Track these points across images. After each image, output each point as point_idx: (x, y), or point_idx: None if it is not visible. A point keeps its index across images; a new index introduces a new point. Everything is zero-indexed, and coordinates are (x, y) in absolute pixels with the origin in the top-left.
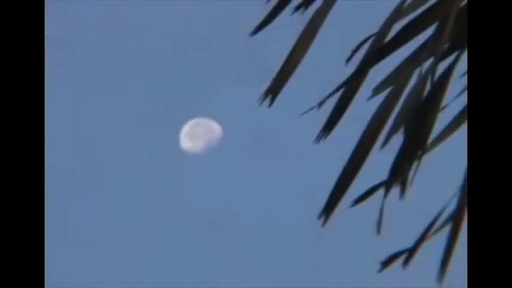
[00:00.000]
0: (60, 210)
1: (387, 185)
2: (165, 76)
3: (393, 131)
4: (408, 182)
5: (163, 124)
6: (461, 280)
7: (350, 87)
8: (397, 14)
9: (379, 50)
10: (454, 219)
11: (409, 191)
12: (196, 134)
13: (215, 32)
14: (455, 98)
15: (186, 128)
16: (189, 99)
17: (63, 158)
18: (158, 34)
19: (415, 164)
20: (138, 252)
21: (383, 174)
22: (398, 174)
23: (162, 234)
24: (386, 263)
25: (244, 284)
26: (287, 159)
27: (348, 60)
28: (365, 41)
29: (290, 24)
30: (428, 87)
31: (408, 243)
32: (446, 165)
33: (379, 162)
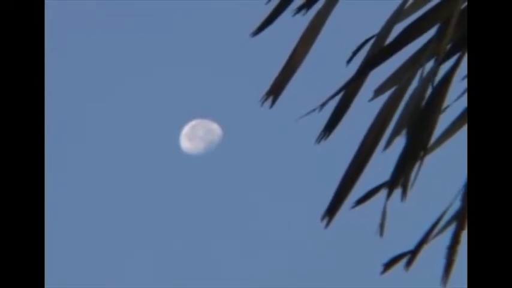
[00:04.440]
0: (61, 211)
1: (389, 186)
2: (165, 77)
3: (395, 132)
4: (410, 183)
5: (163, 125)
6: (463, 281)
7: (351, 88)
8: (398, 15)
9: (380, 51)
10: (458, 220)
11: (411, 192)
12: (196, 135)
13: (216, 32)
14: (457, 99)
15: (186, 129)
16: (189, 100)
17: (63, 157)
18: (158, 34)
19: (417, 165)
20: (137, 253)
21: (385, 176)
22: (400, 175)
23: (162, 234)
24: (389, 264)
25: (245, 284)
26: (288, 160)
27: (349, 61)
28: (366, 42)
29: (292, 25)
30: (430, 88)
31: (410, 245)
32: (448, 166)
33: (381, 163)
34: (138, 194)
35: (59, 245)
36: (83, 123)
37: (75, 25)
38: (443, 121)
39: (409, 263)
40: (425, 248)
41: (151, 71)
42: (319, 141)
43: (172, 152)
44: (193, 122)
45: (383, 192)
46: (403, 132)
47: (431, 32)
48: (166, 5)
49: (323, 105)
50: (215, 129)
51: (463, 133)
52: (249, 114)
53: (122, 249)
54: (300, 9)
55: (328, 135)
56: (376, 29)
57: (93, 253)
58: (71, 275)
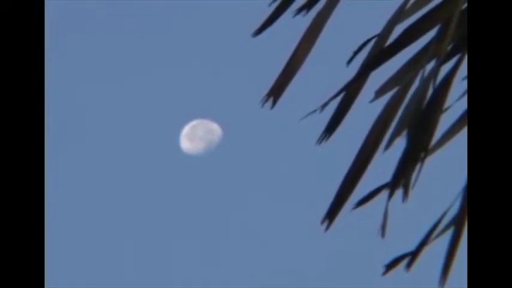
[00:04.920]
0: (61, 211)
1: (391, 187)
2: (165, 77)
3: (396, 133)
4: (411, 184)
5: (163, 125)
6: (463, 282)
7: (352, 89)
8: (399, 16)
9: (381, 52)
10: (457, 221)
11: (412, 193)
12: (196, 136)
13: (217, 32)
14: (458, 100)
15: (186, 130)
16: (189, 100)
17: (63, 157)
18: (158, 34)
19: (417, 166)
20: (137, 253)
21: (385, 177)
22: (401, 176)
23: (162, 235)
24: (390, 265)
25: (245, 285)
26: (289, 161)
27: (349, 62)
28: (367, 43)
29: (292, 26)
30: (431, 89)
31: (410, 246)
32: (450, 167)
33: (382, 164)
34: (138, 194)
35: (59, 245)
36: (83, 123)
37: (75, 25)
38: (445, 122)
39: (410, 264)
40: (427, 249)
41: (151, 71)
42: (320, 143)
43: (172, 152)
44: (193, 122)
45: (384, 194)
46: (404, 133)
47: (432, 33)
48: (166, 5)
49: (324, 106)
50: (215, 129)
51: (464, 134)
52: (250, 114)
53: (122, 249)
54: (300, 10)
55: (329, 137)
56: (377, 29)
57: (93, 253)
58: (71, 275)
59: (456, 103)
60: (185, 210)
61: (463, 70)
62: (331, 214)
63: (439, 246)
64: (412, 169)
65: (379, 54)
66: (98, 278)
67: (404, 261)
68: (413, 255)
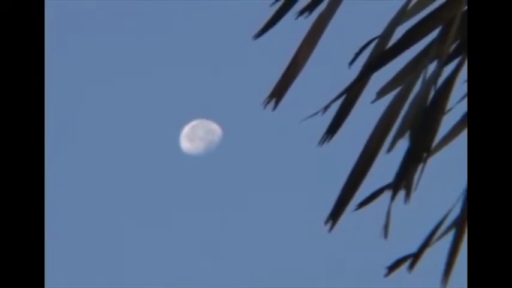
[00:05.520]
0: (61, 211)
1: (394, 188)
2: (165, 77)
3: (398, 134)
4: (413, 185)
5: (163, 125)
6: (463, 283)
7: (354, 90)
8: (401, 17)
9: (382, 53)
10: (459, 223)
11: (414, 194)
12: (196, 136)
13: (218, 33)
14: (460, 101)
15: (186, 130)
16: (189, 100)
17: (63, 157)
18: (158, 34)
19: (419, 167)
20: (137, 253)
21: (387, 178)
22: (404, 178)
23: (162, 235)
24: (393, 267)
25: (246, 285)
26: (290, 163)
27: (351, 63)
28: (368, 44)
29: (294, 28)
30: (432, 91)
31: (413, 247)
32: (452, 168)
33: (384, 165)
34: (138, 195)
35: (59, 245)
36: (83, 123)
37: (75, 25)
38: (447, 123)
39: (412, 266)
40: (429, 250)
41: (151, 71)
42: (322, 144)
43: (172, 152)
44: (193, 122)
45: (385, 195)
46: (406, 135)
47: (433, 34)
48: (166, 5)
49: (326, 107)
50: (215, 129)
51: (466, 135)
52: (250, 114)
53: (122, 250)
54: (302, 11)
55: (331, 138)
56: (378, 31)
57: (93, 253)
58: (71, 275)
59: (458, 104)
60: (185, 210)
61: (465, 72)
62: (335, 215)
63: (441, 247)
64: (414, 170)
65: (381, 56)
66: (98, 278)
67: (407, 263)
68: (415, 256)
